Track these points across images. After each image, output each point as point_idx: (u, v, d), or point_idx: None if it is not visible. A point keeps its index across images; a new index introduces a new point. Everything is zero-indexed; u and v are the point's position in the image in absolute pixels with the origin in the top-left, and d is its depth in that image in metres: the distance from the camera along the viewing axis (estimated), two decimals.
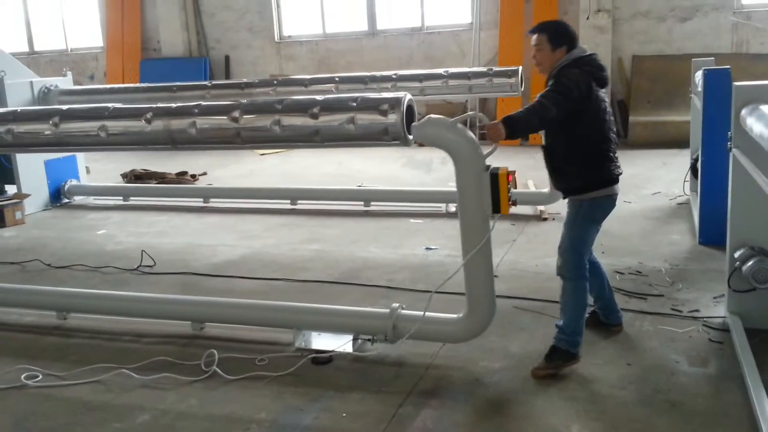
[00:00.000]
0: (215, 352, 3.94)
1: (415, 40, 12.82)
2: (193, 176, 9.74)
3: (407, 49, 12.83)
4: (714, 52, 9.61)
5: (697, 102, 6.22)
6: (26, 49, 15.95)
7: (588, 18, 11.10)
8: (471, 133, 3.51)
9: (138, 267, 5.86)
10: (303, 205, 7.77)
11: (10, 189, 8.20)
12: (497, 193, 3.41)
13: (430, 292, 3.82)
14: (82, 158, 8.81)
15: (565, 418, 3.26)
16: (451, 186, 7.83)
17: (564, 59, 3.74)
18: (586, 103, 3.65)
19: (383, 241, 6.34)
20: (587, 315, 3.90)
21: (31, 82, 8.24)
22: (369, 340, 3.96)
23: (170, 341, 4.33)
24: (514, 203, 3.49)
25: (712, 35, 11.03)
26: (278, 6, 13.80)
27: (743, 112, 3.65)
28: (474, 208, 3.48)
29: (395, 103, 3.35)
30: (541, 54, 3.80)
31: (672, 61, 10.95)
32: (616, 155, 3.79)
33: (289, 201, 7.81)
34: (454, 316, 3.80)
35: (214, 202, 8.16)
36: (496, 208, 3.44)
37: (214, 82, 8.29)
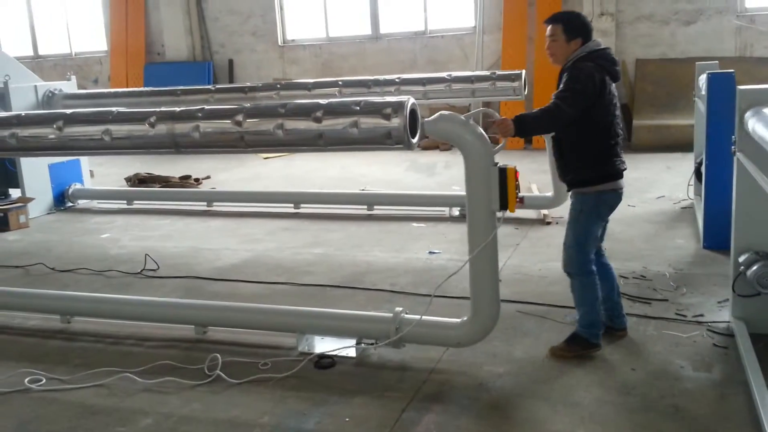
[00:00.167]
0: (218, 356, 3.94)
1: (418, 43, 12.83)
2: (197, 180, 9.75)
3: (410, 52, 12.84)
4: (718, 56, 9.62)
5: (701, 106, 6.21)
6: (31, 53, 16.00)
7: (591, 21, 11.09)
8: (481, 129, 3.54)
9: (141, 271, 5.86)
10: (306, 208, 7.77)
11: (15, 193, 8.22)
12: (505, 188, 3.44)
13: (432, 293, 3.85)
14: (86, 162, 8.83)
15: (569, 424, 3.25)
16: (455, 190, 7.92)
17: (579, 52, 3.77)
18: (600, 97, 3.68)
19: (386, 245, 6.34)
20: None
21: (36, 86, 8.26)
22: (371, 344, 3.96)
23: (173, 345, 4.33)
24: (521, 201, 3.51)
25: (715, 39, 11.02)
26: (282, 10, 13.83)
27: (747, 115, 3.64)
28: (482, 203, 3.50)
29: (398, 107, 3.34)
30: (555, 45, 3.83)
31: (675, 65, 10.94)
32: (621, 150, 3.84)
33: (292, 205, 7.81)
34: (458, 320, 3.79)
35: (218, 206, 8.16)
36: (504, 205, 3.46)
37: (217, 86, 8.30)
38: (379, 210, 7.52)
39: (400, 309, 3.92)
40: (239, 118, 3.66)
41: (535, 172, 8.25)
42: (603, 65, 3.75)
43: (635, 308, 4.46)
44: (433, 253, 6.01)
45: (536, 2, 11.63)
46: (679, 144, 9.60)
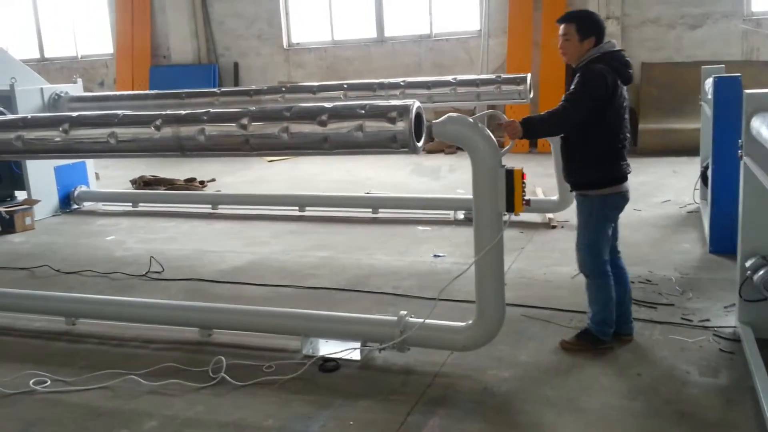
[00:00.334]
0: (223, 358, 3.94)
1: (423, 47, 12.84)
2: (202, 183, 9.77)
3: (415, 56, 12.85)
4: (724, 60, 9.58)
5: (708, 110, 6.19)
6: (37, 55, 16.08)
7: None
8: (489, 131, 3.54)
9: (146, 273, 5.87)
10: (311, 212, 7.77)
11: (20, 195, 8.24)
12: (512, 190, 3.44)
13: (437, 296, 3.86)
14: (91, 164, 8.86)
15: (574, 429, 3.23)
16: (460, 193, 7.91)
17: (593, 52, 3.78)
18: (610, 100, 3.69)
19: (391, 248, 6.33)
20: None
21: (42, 89, 8.29)
22: (376, 347, 3.95)
23: (178, 347, 4.33)
24: (528, 203, 3.52)
25: (722, 43, 11.00)
26: (287, 13, 13.86)
27: (754, 120, 3.63)
28: (488, 205, 3.51)
29: (404, 110, 3.34)
30: (568, 44, 3.83)
31: (682, 69, 10.92)
32: (626, 153, 3.87)
33: (297, 208, 7.81)
34: (463, 323, 3.78)
35: (223, 209, 8.17)
36: (510, 206, 3.47)
37: (223, 89, 8.30)
38: (383, 213, 7.51)
39: (405, 312, 3.92)
40: (244, 121, 3.66)
41: (541, 176, 8.23)
42: (616, 68, 3.76)
43: (641, 313, 4.44)
44: (438, 256, 6.00)
45: (542, 6, 11.63)
46: (685, 148, 9.58)
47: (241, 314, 4.40)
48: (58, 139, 4.10)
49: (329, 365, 3.92)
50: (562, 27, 3.84)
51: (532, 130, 3.73)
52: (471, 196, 3.60)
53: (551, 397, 3.51)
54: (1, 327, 4.84)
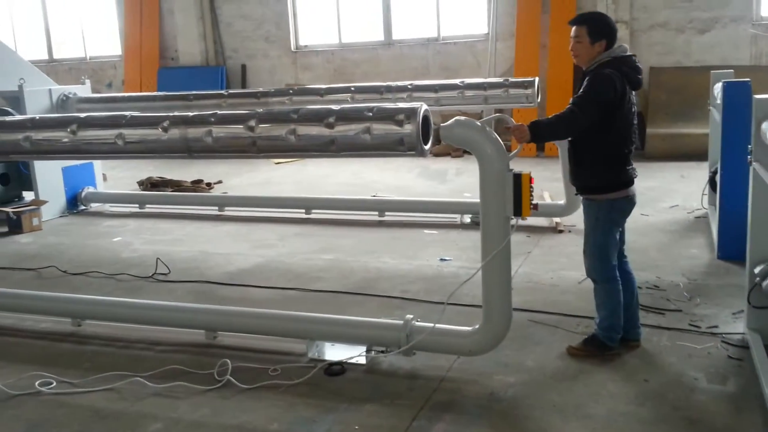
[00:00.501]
0: (228, 361, 3.93)
1: (430, 50, 12.83)
2: (209, 184, 9.78)
3: (423, 59, 12.85)
4: (733, 65, 9.55)
5: (716, 114, 6.16)
6: (46, 57, 16.15)
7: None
8: (496, 135, 3.54)
9: (153, 275, 5.87)
10: (317, 214, 7.77)
11: (28, 195, 8.27)
12: (519, 194, 3.43)
13: (446, 301, 3.84)
14: (99, 165, 8.88)
15: None
16: (467, 197, 7.89)
17: (604, 56, 3.78)
18: (619, 105, 3.68)
19: (397, 251, 6.32)
20: None
21: (50, 90, 8.32)
22: (382, 352, 3.94)
23: (184, 350, 4.33)
24: (535, 207, 3.50)
25: (730, 47, 10.95)
26: (295, 16, 13.88)
27: (764, 125, 3.60)
28: (496, 209, 3.49)
29: (411, 113, 3.33)
30: (579, 46, 3.82)
31: (690, 73, 10.87)
32: (632, 157, 3.87)
33: (303, 210, 7.81)
34: (469, 328, 3.77)
35: (229, 211, 8.18)
36: (518, 210, 3.45)
37: (230, 91, 8.33)
38: (390, 216, 7.50)
39: (411, 316, 3.90)
40: (252, 123, 3.66)
41: (548, 180, 8.21)
42: (626, 72, 3.75)
43: (649, 318, 4.42)
44: (445, 260, 5.98)
45: (550, 9, 11.61)
46: (693, 153, 9.54)
47: (247, 317, 4.39)
48: (65, 140, 4.11)
49: (335, 369, 3.91)
50: (573, 29, 3.84)
51: (540, 134, 3.74)
52: (477, 200, 3.59)
53: (558, 403, 3.49)
54: (7, 328, 4.85)
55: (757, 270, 3.99)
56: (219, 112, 3.89)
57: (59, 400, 3.76)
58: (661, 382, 3.65)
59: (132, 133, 3.97)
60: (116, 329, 4.64)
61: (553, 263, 5.70)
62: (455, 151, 11.43)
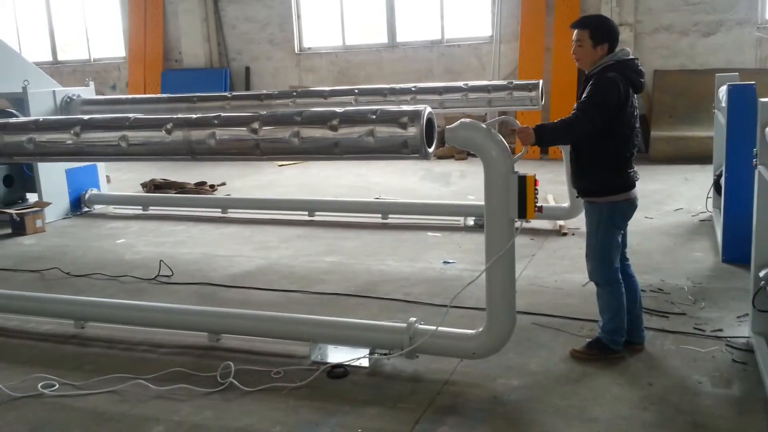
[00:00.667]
0: (231, 363, 3.92)
1: (434, 52, 12.83)
2: (212, 186, 9.79)
3: (427, 61, 12.84)
4: (737, 68, 9.52)
5: (721, 118, 6.15)
6: (50, 58, 16.19)
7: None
8: (501, 137, 3.53)
9: (156, 277, 5.87)
10: (321, 216, 7.76)
11: (32, 197, 8.28)
12: (524, 196, 3.42)
13: (449, 303, 3.84)
14: (102, 167, 8.89)
15: None
16: (470, 199, 7.88)
17: (606, 59, 3.77)
18: (622, 108, 3.68)
19: (401, 254, 6.31)
20: None
21: (54, 92, 8.34)
22: (385, 354, 3.93)
23: (186, 352, 4.32)
24: (540, 209, 3.50)
25: (735, 50, 10.93)
26: (299, 18, 13.89)
27: None
28: (500, 211, 3.49)
29: (415, 116, 3.33)
30: (581, 50, 3.82)
31: (695, 76, 10.85)
32: (633, 160, 3.88)
33: (306, 212, 7.81)
34: (473, 331, 3.75)
35: (233, 213, 8.18)
36: (522, 213, 3.44)
37: (234, 93, 8.35)
38: (393, 219, 7.49)
39: (414, 319, 3.89)
40: (255, 125, 3.66)
41: (552, 183, 8.20)
42: (629, 76, 3.75)
43: (653, 322, 4.40)
44: (448, 263, 5.97)
45: (554, 12, 11.60)
46: (698, 156, 9.52)
47: (249, 319, 4.38)
48: (69, 141, 4.11)
49: (337, 372, 3.90)
50: (575, 32, 3.83)
51: (545, 137, 3.73)
52: (481, 203, 3.59)
53: (561, 407, 3.48)
54: (10, 329, 4.85)
55: (762, 273, 3.97)
56: (222, 114, 3.88)
57: (61, 402, 3.75)
58: (665, 386, 3.64)
59: (135, 135, 3.97)
60: (119, 331, 4.64)
61: (556, 266, 5.68)
62: (459, 153, 11.42)
